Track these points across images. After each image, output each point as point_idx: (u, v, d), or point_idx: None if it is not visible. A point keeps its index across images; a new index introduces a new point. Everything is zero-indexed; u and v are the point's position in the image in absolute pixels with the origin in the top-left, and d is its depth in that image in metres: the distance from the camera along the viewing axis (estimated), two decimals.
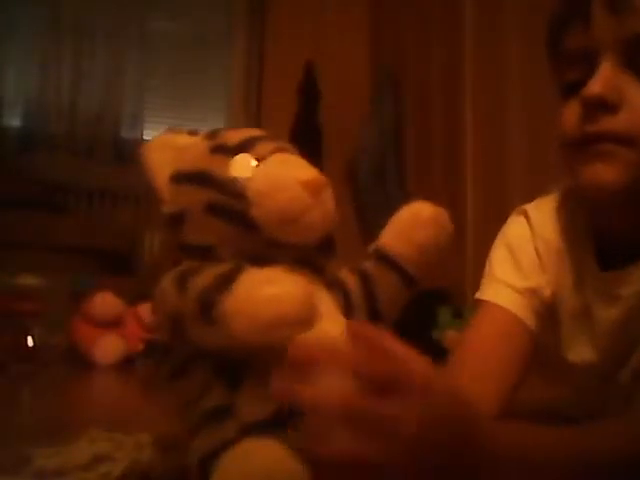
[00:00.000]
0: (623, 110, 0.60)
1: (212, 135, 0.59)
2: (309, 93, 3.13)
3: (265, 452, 0.45)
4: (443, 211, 0.55)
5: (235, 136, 0.58)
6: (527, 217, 0.78)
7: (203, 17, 3.18)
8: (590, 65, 0.62)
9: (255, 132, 0.58)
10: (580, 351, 0.73)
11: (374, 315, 0.56)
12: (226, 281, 0.46)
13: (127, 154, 2.90)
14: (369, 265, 0.55)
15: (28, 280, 1.93)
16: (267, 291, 0.44)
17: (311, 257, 0.54)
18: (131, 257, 2.48)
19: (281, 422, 0.47)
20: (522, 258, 0.76)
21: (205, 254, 0.52)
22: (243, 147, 0.56)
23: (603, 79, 0.60)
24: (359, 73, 3.31)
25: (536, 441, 0.50)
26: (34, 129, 2.79)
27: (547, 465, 0.49)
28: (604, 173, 0.61)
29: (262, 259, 0.50)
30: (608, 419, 0.59)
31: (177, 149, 0.60)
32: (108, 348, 1.54)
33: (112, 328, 1.60)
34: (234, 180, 0.54)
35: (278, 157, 0.55)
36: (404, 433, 0.38)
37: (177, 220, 0.55)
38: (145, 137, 2.95)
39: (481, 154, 2.38)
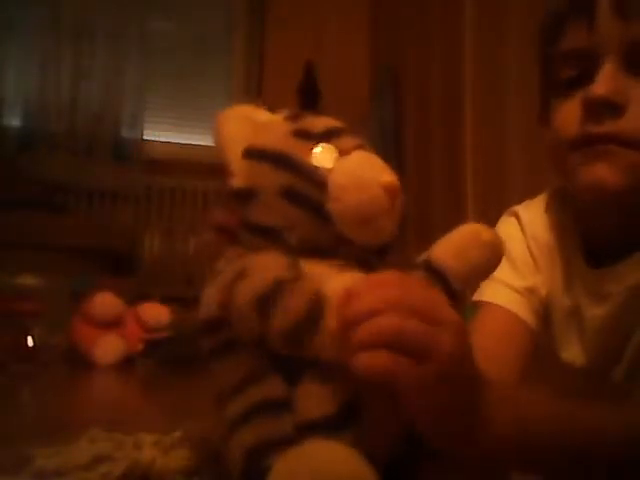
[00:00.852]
0: (628, 112, 0.60)
1: (294, 117, 0.57)
2: (309, 93, 3.13)
3: (333, 455, 0.44)
4: (500, 237, 0.54)
5: (319, 124, 0.56)
6: (518, 218, 0.79)
7: (203, 17, 3.18)
8: (590, 65, 0.62)
9: (337, 123, 0.57)
10: (572, 350, 0.73)
11: None
12: (315, 317, 0.44)
13: (127, 154, 2.90)
14: (417, 275, 0.53)
15: (28, 280, 1.93)
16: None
17: (369, 258, 0.53)
18: (131, 257, 2.48)
19: (343, 422, 0.46)
20: (517, 258, 0.76)
21: (269, 236, 0.52)
22: (327, 137, 0.55)
23: (607, 81, 0.60)
24: (359, 73, 3.31)
25: (538, 417, 0.51)
26: (34, 129, 2.79)
27: (545, 447, 0.50)
28: (606, 174, 0.61)
29: (326, 252, 0.51)
30: (609, 404, 0.59)
31: (256, 124, 0.58)
32: (108, 348, 1.54)
33: (112, 328, 1.60)
34: (315, 168, 0.53)
35: (361, 154, 0.54)
36: (439, 352, 0.39)
37: (245, 196, 0.53)
38: (145, 137, 2.96)
39: (481, 154, 2.38)
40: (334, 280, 0.47)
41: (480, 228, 0.55)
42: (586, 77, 0.62)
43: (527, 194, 0.82)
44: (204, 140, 3.07)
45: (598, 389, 0.73)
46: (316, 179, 0.53)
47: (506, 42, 2.21)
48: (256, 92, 3.18)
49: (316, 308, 0.44)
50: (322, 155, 0.54)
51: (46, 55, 2.84)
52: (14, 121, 2.80)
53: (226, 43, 3.22)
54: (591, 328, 0.71)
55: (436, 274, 0.53)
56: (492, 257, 0.54)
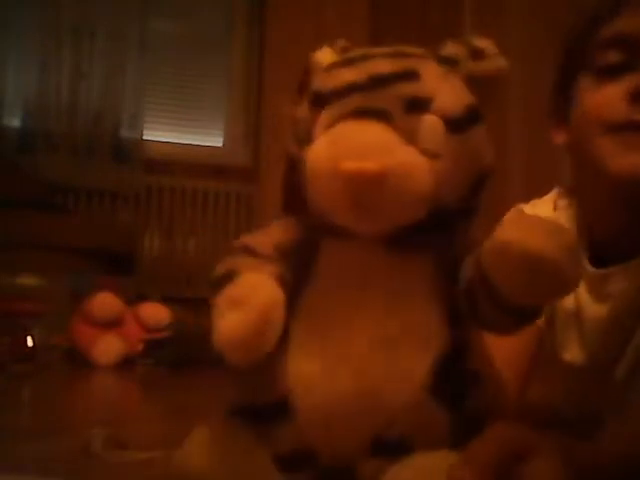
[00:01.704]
0: None
1: (329, 68, 0.51)
2: None
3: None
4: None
5: (336, 79, 0.49)
6: None
7: (203, 17, 3.18)
8: (637, 52, 0.62)
9: (364, 73, 0.48)
10: (573, 350, 0.73)
11: (474, 317, 0.49)
12: None
13: (127, 154, 2.90)
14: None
15: (27, 280, 1.93)
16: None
17: (404, 236, 0.47)
18: (131, 257, 2.48)
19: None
20: None
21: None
22: (331, 98, 0.48)
23: None
24: None
25: None
26: (34, 129, 2.79)
27: None
28: None
29: (341, 233, 0.48)
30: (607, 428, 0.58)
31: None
32: (108, 348, 1.54)
33: (112, 328, 1.60)
34: (300, 147, 0.49)
35: (344, 126, 0.46)
36: None
37: None
38: (144, 137, 2.95)
39: None
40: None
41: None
42: (632, 65, 0.62)
43: (527, 194, 0.82)
44: (204, 140, 3.07)
45: (598, 389, 0.73)
46: (299, 159, 0.49)
47: (506, 42, 2.21)
48: (256, 92, 3.18)
49: None
50: (317, 126, 0.48)
51: (46, 55, 2.83)
52: (14, 121, 2.80)
53: (226, 43, 3.22)
54: (591, 328, 0.71)
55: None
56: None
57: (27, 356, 1.36)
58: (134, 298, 1.81)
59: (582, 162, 0.70)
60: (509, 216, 0.47)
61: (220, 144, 3.08)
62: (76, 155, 2.82)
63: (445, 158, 0.47)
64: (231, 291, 0.45)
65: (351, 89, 0.47)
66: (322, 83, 0.50)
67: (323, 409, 0.47)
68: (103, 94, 2.90)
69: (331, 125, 0.47)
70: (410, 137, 0.46)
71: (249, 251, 0.52)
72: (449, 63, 0.51)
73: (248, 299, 0.43)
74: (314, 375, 0.48)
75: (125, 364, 1.53)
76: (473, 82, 0.51)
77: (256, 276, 0.46)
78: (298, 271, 0.51)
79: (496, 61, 0.53)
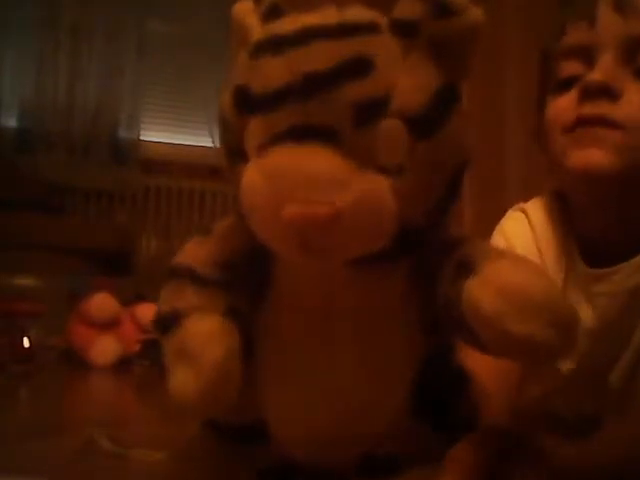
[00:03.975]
0: (623, 99, 0.62)
1: (253, 57, 0.41)
2: None
3: None
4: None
5: (265, 78, 0.38)
6: (527, 215, 0.79)
7: (202, 18, 3.18)
8: (590, 61, 0.64)
9: (310, 64, 0.37)
10: None
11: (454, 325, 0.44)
12: None
13: (124, 154, 2.89)
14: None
15: (25, 281, 1.92)
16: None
17: (367, 261, 0.41)
18: (128, 258, 2.48)
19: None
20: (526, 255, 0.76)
21: None
22: (260, 105, 0.38)
23: (605, 68, 0.62)
24: None
25: None
26: (31, 130, 2.78)
27: None
28: (598, 156, 0.62)
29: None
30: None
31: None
32: (104, 349, 1.54)
33: (109, 329, 1.60)
34: (231, 158, 0.44)
35: (281, 154, 0.37)
36: None
37: None
38: (142, 137, 2.95)
39: (480, 155, 2.38)
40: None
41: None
42: (585, 73, 0.64)
43: (527, 195, 0.82)
44: (201, 141, 3.07)
45: (592, 393, 0.72)
46: (231, 172, 0.44)
47: (505, 40, 2.21)
48: None
49: None
50: (248, 138, 0.40)
51: (43, 55, 2.83)
52: (11, 121, 2.80)
53: (225, 44, 3.22)
54: (581, 331, 0.71)
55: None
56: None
57: (25, 357, 1.36)
58: (131, 298, 1.80)
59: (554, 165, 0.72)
60: (496, 265, 0.42)
61: (217, 144, 3.07)
62: (73, 155, 2.82)
63: (410, 170, 0.39)
64: (179, 342, 0.41)
65: (284, 96, 0.37)
66: (247, 78, 0.40)
67: (304, 437, 0.45)
68: (101, 94, 2.89)
69: (263, 143, 0.38)
70: (365, 154, 0.37)
71: (193, 277, 0.46)
72: (407, 31, 0.41)
73: (199, 354, 0.39)
74: (290, 404, 0.46)
75: (122, 365, 1.52)
76: (440, 47, 0.41)
77: (206, 323, 0.41)
78: (253, 288, 0.46)
79: (467, 16, 0.41)
